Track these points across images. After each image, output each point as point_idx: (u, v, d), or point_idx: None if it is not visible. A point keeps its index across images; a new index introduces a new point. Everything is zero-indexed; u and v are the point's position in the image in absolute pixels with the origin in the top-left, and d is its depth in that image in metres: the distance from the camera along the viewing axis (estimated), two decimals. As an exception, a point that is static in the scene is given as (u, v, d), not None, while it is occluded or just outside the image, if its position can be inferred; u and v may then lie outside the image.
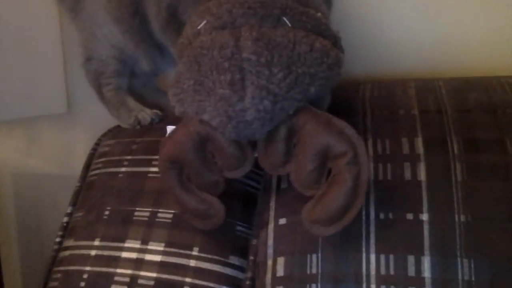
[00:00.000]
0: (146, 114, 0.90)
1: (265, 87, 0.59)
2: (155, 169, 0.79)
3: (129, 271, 0.72)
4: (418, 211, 0.62)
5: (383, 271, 0.61)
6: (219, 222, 0.67)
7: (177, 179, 0.66)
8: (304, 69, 0.60)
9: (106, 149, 0.87)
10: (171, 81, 0.66)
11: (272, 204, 0.71)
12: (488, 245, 0.59)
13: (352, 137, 0.59)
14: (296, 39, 0.60)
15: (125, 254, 0.73)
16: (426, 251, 0.60)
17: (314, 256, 0.64)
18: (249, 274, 0.71)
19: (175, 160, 0.65)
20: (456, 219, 0.60)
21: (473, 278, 0.58)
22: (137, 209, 0.76)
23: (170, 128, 0.69)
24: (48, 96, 1.01)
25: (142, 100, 0.98)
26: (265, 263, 0.68)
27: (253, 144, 0.65)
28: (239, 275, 0.71)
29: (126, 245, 0.74)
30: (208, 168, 0.65)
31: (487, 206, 0.60)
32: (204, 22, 0.64)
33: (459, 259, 0.59)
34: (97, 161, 0.86)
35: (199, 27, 0.64)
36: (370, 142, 0.68)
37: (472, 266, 0.58)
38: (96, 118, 0.95)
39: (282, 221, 0.68)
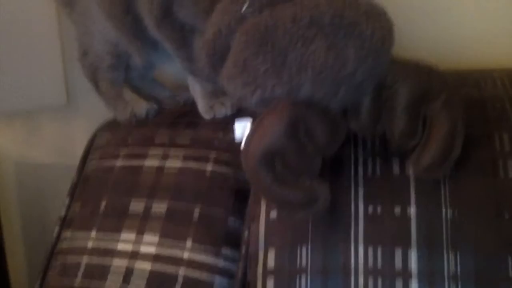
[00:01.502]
0: (141, 107, 0.91)
1: (363, 45, 0.57)
2: (150, 161, 0.80)
3: (124, 263, 0.73)
4: (406, 205, 0.63)
5: (370, 263, 0.62)
6: (326, 204, 0.60)
7: (271, 174, 0.60)
8: (378, 24, 0.59)
9: (103, 142, 0.89)
10: (224, 77, 0.63)
11: (264, 197, 0.72)
12: (474, 239, 0.59)
13: (442, 76, 0.60)
14: None
15: (120, 246, 0.75)
16: (413, 244, 0.61)
17: (303, 248, 0.65)
18: (241, 266, 0.73)
19: (269, 152, 0.60)
20: (443, 213, 0.61)
21: (458, 271, 0.59)
22: (132, 201, 0.77)
23: (239, 124, 0.66)
24: (47, 88, 1.02)
25: (139, 92, 0.99)
26: (256, 254, 0.69)
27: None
28: (231, 266, 0.73)
29: (121, 237, 0.75)
30: (304, 151, 0.60)
31: (474, 202, 0.61)
32: (246, 4, 0.62)
33: (445, 253, 0.60)
34: (93, 153, 0.88)
35: (242, 11, 0.62)
36: (360, 137, 0.68)
37: (458, 259, 0.59)
38: (96, 109, 0.96)
39: (273, 214, 0.69)
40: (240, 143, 0.67)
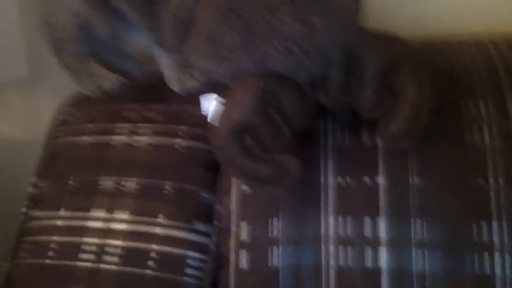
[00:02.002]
0: (108, 80, 0.88)
1: (330, 13, 0.57)
2: (118, 137, 0.79)
3: (96, 240, 0.73)
4: (374, 174, 0.64)
5: (341, 232, 0.63)
6: (296, 177, 0.60)
7: (241, 149, 0.60)
8: None
9: (68, 117, 0.86)
10: (189, 48, 0.61)
11: (235, 170, 0.71)
12: (440, 206, 0.61)
13: (409, 46, 0.60)
14: None
15: (91, 224, 0.74)
16: (382, 212, 0.62)
17: (275, 220, 0.66)
18: (214, 239, 0.73)
19: (239, 127, 0.59)
20: (410, 181, 0.62)
21: (425, 237, 0.61)
22: (101, 178, 0.76)
23: (206, 99, 0.65)
24: (8, 60, 0.98)
25: (105, 64, 0.96)
26: (228, 228, 0.69)
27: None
28: (205, 240, 0.73)
29: (91, 214, 0.74)
30: (274, 125, 0.60)
31: (441, 169, 0.62)
32: None
33: (412, 220, 0.61)
34: (59, 129, 0.86)
35: None
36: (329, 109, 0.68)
37: (425, 226, 0.61)
38: (63, 82, 0.93)
39: (245, 187, 0.69)
40: (206, 115, 0.67)
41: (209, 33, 0.59)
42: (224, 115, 0.60)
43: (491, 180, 0.60)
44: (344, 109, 0.66)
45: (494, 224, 0.59)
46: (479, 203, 0.60)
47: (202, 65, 0.61)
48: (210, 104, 0.64)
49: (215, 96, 0.65)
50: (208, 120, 0.62)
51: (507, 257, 0.58)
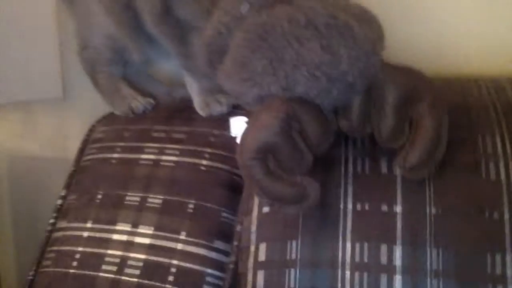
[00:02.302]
0: (139, 102, 0.93)
1: (356, 45, 0.60)
2: (145, 156, 0.82)
3: (119, 252, 0.75)
4: (392, 202, 0.65)
5: (357, 258, 0.64)
6: (316, 200, 0.62)
7: (264, 169, 0.62)
8: (369, 28, 0.63)
9: (100, 135, 0.90)
10: (222, 74, 0.65)
11: (257, 192, 0.74)
12: (455, 236, 0.62)
13: (429, 79, 0.63)
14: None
15: (116, 236, 0.77)
16: (398, 240, 0.64)
17: (294, 242, 0.67)
18: (232, 258, 0.75)
19: (263, 148, 0.62)
20: (427, 211, 0.64)
21: (440, 267, 0.62)
22: (128, 194, 0.79)
23: (235, 121, 0.68)
24: (43, 80, 1.02)
25: (135, 88, 1.00)
26: (248, 248, 0.71)
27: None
28: (223, 258, 0.75)
29: (117, 227, 0.77)
30: (296, 148, 0.63)
31: (456, 200, 0.64)
32: (248, 5, 0.65)
33: (428, 249, 0.63)
34: (91, 146, 0.90)
35: (243, 11, 0.65)
36: (350, 137, 0.71)
37: (440, 256, 0.62)
38: (92, 104, 0.97)
39: (266, 209, 0.72)
40: (235, 138, 0.70)
41: (242, 60, 0.63)
42: (249, 135, 0.63)
43: (506, 215, 0.62)
44: (364, 137, 0.69)
45: (508, 258, 0.60)
46: (493, 236, 0.61)
47: (234, 89, 0.65)
48: (240, 127, 0.67)
49: (245, 119, 0.68)
50: (237, 142, 0.65)
51: (520, 290, 0.59)
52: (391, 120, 0.63)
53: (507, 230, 0.61)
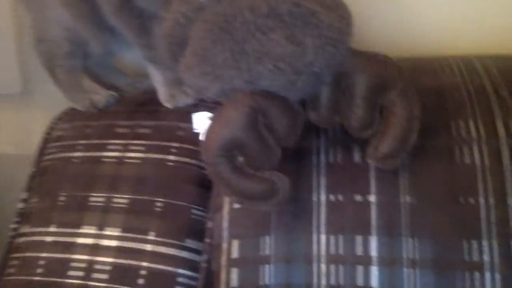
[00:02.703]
0: (101, 96, 0.89)
1: (321, 34, 0.58)
2: (109, 153, 0.79)
3: (85, 257, 0.72)
4: (366, 192, 0.64)
5: (332, 251, 0.63)
6: (287, 195, 0.61)
7: (231, 167, 0.60)
8: (336, 14, 0.60)
9: (60, 133, 0.86)
10: (182, 66, 0.62)
11: (227, 187, 0.71)
12: (431, 225, 0.61)
13: (398, 66, 0.61)
14: None
15: (81, 240, 0.74)
16: (373, 231, 0.62)
17: (267, 238, 0.65)
18: (205, 257, 0.73)
19: (229, 144, 0.59)
20: (402, 200, 0.63)
21: (417, 257, 0.61)
22: (93, 194, 0.76)
23: (197, 116, 0.65)
24: (2, 75, 0.98)
25: (98, 80, 0.96)
26: (220, 245, 0.69)
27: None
28: (195, 257, 0.73)
29: (82, 231, 0.74)
30: (264, 143, 0.60)
31: (431, 188, 0.63)
32: None
33: (404, 239, 0.61)
34: (51, 145, 0.85)
35: (201, 0, 0.62)
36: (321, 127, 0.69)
37: (416, 245, 0.61)
38: (54, 98, 0.93)
39: (237, 204, 0.69)
40: (199, 134, 0.67)
41: (202, 53, 0.60)
42: (214, 131, 0.60)
43: (481, 200, 0.61)
44: (335, 128, 0.67)
45: (485, 243, 0.59)
46: (469, 222, 0.60)
47: (195, 83, 0.62)
48: (203, 123, 0.64)
49: (208, 114, 0.65)
50: (200, 138, 0.62)
51: (497, 276, 0.58)
52: (361, 110, 0.61)
53: (482, 215, 0.60)
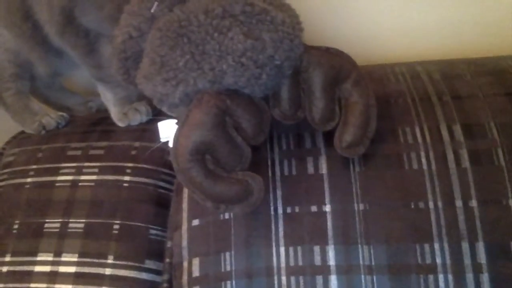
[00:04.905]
0: (51, 118, 0.87)
1: (277, 29, 0.59)
2: (62, 177, 0.77)
3: (43, 285, 0.71)
4: (321, 203, 0.65)
5: (292, 262, 0.64)
6: (261, 196, 0.60)
7: (203, 171, 0.59)
8: (285, 12, 0.62)
9: (11, 158, 0.84)
10: (141, 78, 0.61)
11: (185, 205, 0.71)
12: (384, 230, 0.63)
13: (350, 59, 0.63)
14: None
15: (38, 268, 0.72)
16: (330, 240, 0.63)
17: (227, 254, 0.66)
18: (165, 277, 0.72)
19: (199, 147, 0.59)
20: (356, 208, 0.64)
21: (373, 263, 0.62)
22: (47, 220, 0.74)
23: (163, 124, 0.64)
24: None
25: (47, 102, 0.94)
26: (181, 264, 0.69)
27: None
28: (156, 278, 0.72)
29: (38, 258, 0.72)
30: (233, 143, 0.61)
31: (382, 194, 0.64)
32: (156, 4, 0.62)
33: (359, 246, 0.63)
34: (1, 172, 0.83)
35: (152, 11, 0.62)
36: (275, 139, 0.70)
37: (371, 251, 0.62)
38: (2, 123, 0.91)
39: (195, 222, 0.69)
40: (167, 143, 0.67)
41: (161, 59, 0.60)
42: (182, 136, 0.60)
43: (430, 204, 0.63)
44: (288, 140, 0.68)
45: (436, 246, 0.61)
46: (421, 226, 0.62)
47: (157, 92, 0.61)
48: (170, 130, 0.64)
49: (174, 121, 0.64)
50: (170, 145, 0.61)
51: (450, 277, 0.60)
52: (321, 103, 0.63)
53: (433, 218, 0.62)
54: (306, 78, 0.62)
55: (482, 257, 0.61)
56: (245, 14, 0.59)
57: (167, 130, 0.69)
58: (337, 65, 0.63)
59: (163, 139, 0.69)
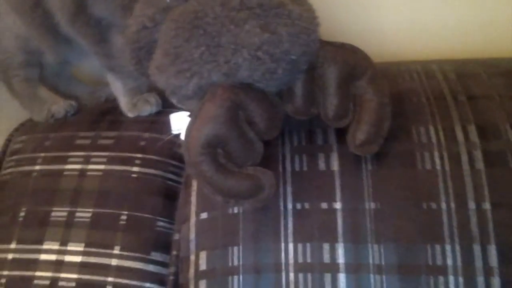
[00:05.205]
0: (59, 106, 0.86)
1: (294, 23, 0.58)
2: (70, 166, 0.77)
3: (48, 274, 0.70)
4: (332, 200, 0.64)
5: (300, 259, 0.63)
6: (272, 192, 0.60)
7: (215, 165, 0.59)
8: (302, 6, 0.61)
9: (19, 146, 0.83)
10: (154, 69, 0.61)
11: (193, 198, 0.71)
12: (395, 230, 0.62)
13: (365, 56, 0.62)
14: None
15: (43, 257, 0.72)
16: (340, 238, 0.63)
17: (235, 248, 0.65)
18: (172, 270, 0.72)
19: (212, 141, 0.58)
20: (366, 206, 0.63)
21: (382, 263, 0.61)
22: (54, 209, 0.74)
23: (175, 116, 0.63)
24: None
25: (56, 90, 0.94)
26: (187, 257, 0.68)
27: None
28: (162, 271, 0.72)
29: (44, 247, 0.72)
30: (246, 138, 0.60)
31: (394, 193, 0.63)
32: None
33: (369, 245, 0.62)
34: (9, 159, 0.83)
35: (168, 1, 0.61)
36: (287, 134, 0.69)
37: (382, 251, 0.62)
38: (10, 110, 0.90)
39: (204, 215, 0.69)
40: (179, 135, 0.66)
41: (175, 51, 0.59)
42: (195, 129, 0.59)
43: (443, 205, 0.62)
44: (300, 135, 0.67)
45: (447, 247, 0.61)
46: (432, 227, 0.61)
47: (170, 83, 0.60)
48: (182, 122, 0.63)
49: (186, 113, 0.64)
50: (182, 138, 0.61)
51: (460, 279, 0.60)
52: (335, 99, 0.62)
53: (444, 220, 0.62)
54: (321, 74, 0.61)
55: (493, 260, 0.60)
56: (262, 7, 0.58)
57: (179, 122, 0.68)
58: (352, 61, 0.62)
59: (174, 131, 0.68)
